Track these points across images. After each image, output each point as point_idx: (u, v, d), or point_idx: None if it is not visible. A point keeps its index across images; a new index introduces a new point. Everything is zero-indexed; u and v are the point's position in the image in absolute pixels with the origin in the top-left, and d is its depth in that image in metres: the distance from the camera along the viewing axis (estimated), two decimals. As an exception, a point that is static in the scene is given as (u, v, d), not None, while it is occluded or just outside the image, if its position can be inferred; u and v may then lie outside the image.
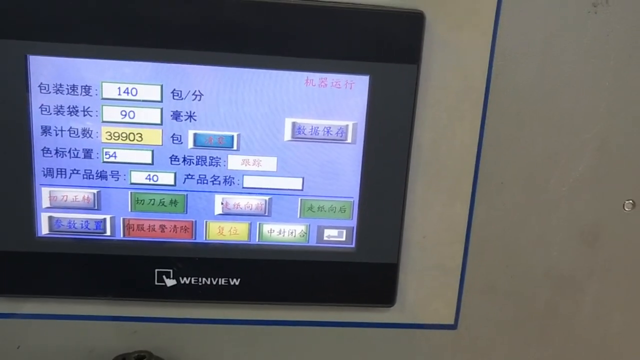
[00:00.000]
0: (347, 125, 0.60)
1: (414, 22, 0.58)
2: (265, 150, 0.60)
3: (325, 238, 0.63)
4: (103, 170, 0.59)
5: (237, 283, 0.62)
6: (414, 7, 0.58)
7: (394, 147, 0.60)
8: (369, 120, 0.59)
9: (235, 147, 0.60)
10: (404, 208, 0.62)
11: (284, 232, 0.62)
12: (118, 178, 0.60)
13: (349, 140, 0.60)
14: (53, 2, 0.55)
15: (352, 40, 0.58)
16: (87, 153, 0.59)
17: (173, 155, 0.59)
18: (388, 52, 0.58)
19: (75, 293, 0.62)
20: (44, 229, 0.60)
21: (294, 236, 0.62)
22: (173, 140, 0.59)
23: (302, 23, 0.57)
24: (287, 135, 0.60)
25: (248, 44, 0.57)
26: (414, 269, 0.65)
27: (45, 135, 0.58)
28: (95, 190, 0.60)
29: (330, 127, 0.60)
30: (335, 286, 0.63)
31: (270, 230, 0.62)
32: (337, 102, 0.59)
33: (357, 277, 0.63)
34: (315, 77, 0.58)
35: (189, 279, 0.62)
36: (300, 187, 0.61)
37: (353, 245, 0.63)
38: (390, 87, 0.59)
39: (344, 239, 0.63)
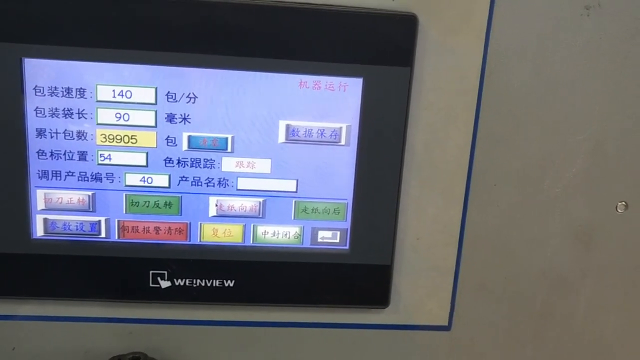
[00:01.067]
0: (340, 128, 0.60)
1: (407, 25, 0.58)
2: (259, 153, 0.60)
3: (319, 240, 0.63)
4: (98, 173, 0.60)
5: (231, 285, 0.62)
6: (408, 10, 0.58)
7: (387, 149, 0.61)
8: (363, 122, 0.60)
9: (229, 149, 0.60)
10: (398, 210, 0.62)
11: (278, 233, 0.62)
12: (113, 180, 0.60)
13: (343, 142, 0.60)
14: (48, 5, 0.55)
15: (346, 43, 0.58)
16: (82, 155, 0.59)
17: (167, 158, 0.60)
18: (381, 54, 0.58)
19: (70, 295, 0.63)
20: (39, 231, 0.60)
21: (288, 238, 0.62)
22: (167, 142, 0.59)
23: (296, 26, 0.57)
24: (281, 138, 0.60)
25: (242, 47, 0.57)
26: (408, 270, 0.65)
27: (40, 138, 0.58)
28: (90, 192, 0.60)
29: (324, 130, 0.60)
30: (330, 287, 0.64)
31: (265, 232, 0.62)
32: (330, 104, 0.59)
33: (351, 278, 0.63)
34: (309, 79, 0.59)
35: (184, 280, 0.62)
36: (294, 189, 0.61)
37: (347, 247, 0.63)
38: (384, 89, 0.59)
39: (338, 240, 0.63)
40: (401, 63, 0.59)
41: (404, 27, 0.58)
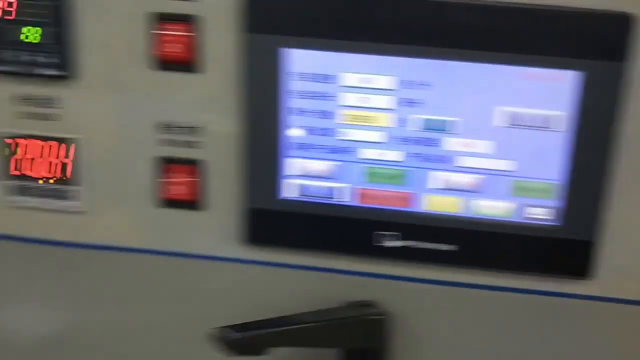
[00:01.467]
0: (557, 115, 0.65)
1: (623, 23, 0.62)
2: (481, 135, 0.66)
3: (531, 215, 0.68)
4: (342, 147, 0.69)
5: (451, 249, 0.70)
6: (623, 10, 0.62)
7: (599, 136, 0.65)
8: (578, 111, 0.64)
9: (455, 131, 0.67)
10: (607, 192, 0.66)
11: (495, 208, 0.68)
12: (353, 154, 0.69)
13: (559, 128, 0.65)
14: (303, 3, 0.65)
15: (566, 39, 0.63)
16: (329, 132, 0.69)
17: (401, 136, 0.68)
18: (598, 50, 0.62)
19: (319, 247, 0.73)
20: (294, 193, 0.71)
21: (504, 212, 0.69)
22: (401, 123, 0.67)
23: (521, 23, 0.63)
24: (502, 122, 0.66)
25: (471, 42, 0.64)
26: (613, 247, 0.68)
27: (296, 116, 0.68)
28: (335, 163, 0.70)
29: (541, 117, 0.65)
30: (540, 258, 0.69)
31: (482, 205, 0.69)
32: (549, 94, 0.64)
33: (560, 251, 0.69)
34: (530, 71, 0.64)
35: (409, 242, 0.70)
36: (511, 169, 0.67)
37: (557, 223, 0.68)
38: (599, 82, 0.63)
39: (548, 217, 0.68)
40: (617, 58, 0.62)
41: (620, 25, 0.62)
